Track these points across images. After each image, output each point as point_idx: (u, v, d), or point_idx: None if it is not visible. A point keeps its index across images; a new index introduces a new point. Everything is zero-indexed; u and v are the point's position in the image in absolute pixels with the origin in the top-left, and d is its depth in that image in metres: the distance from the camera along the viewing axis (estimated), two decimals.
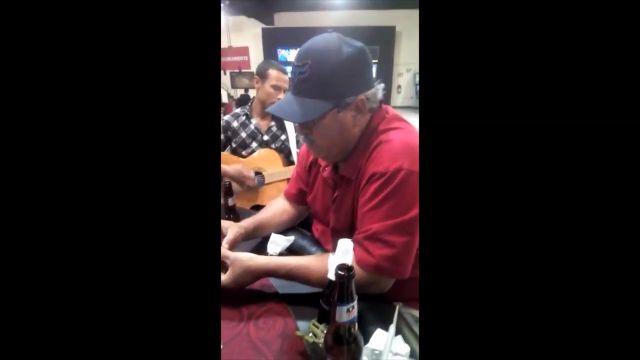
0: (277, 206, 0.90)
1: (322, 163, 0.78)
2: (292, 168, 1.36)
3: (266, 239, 0.82)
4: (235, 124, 1.43)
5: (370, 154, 0.64)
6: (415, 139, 0.64)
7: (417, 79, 8.00)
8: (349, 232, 0.68)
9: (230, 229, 0.75)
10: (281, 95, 1.34)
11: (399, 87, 8.45)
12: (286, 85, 1.34)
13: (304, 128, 0.66)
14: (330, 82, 0.59)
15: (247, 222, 0.81)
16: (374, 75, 0.66)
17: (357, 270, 0.59)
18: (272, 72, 1.34)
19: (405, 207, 0.59)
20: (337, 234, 0.70)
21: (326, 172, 0.75)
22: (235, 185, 1.32)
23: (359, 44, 0.62)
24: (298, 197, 0.88)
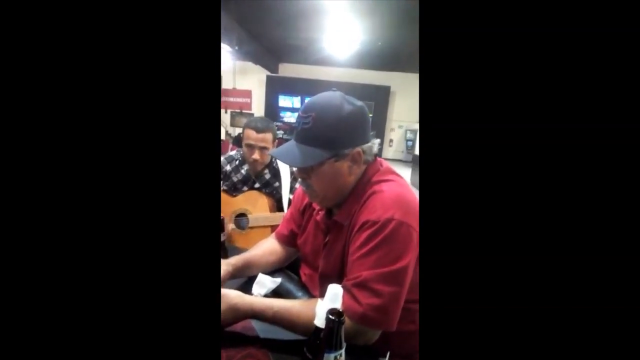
0: (266, 246, 0.90)
1: (316, 207, 0.80)
2: (279, 215, 1.34)
3: (252, 278, 0.80)
4: (228, 167, 1.44)
5: (364, 203, 0.67)
6: (406, 191, 0.67)
7: (408, 135, 8.42)
8: (338, 278, 0.68)
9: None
10: (255, 154, 1.33)
11: (390, 141, 8.84)
12: (258, 144, 1.32)
13: (302, 172, 0.70)
14: (330, 134, 0.65)
15: (236, 260, 0.80)
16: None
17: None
18: (247, 132, 1.34)
19: (395, 257, 0.60)
20: (326, 279, 0.70)
21: (319, 216, 0.77)
22: None
23: (359, 103, 0.69)
24: (289, 239, 0.88)
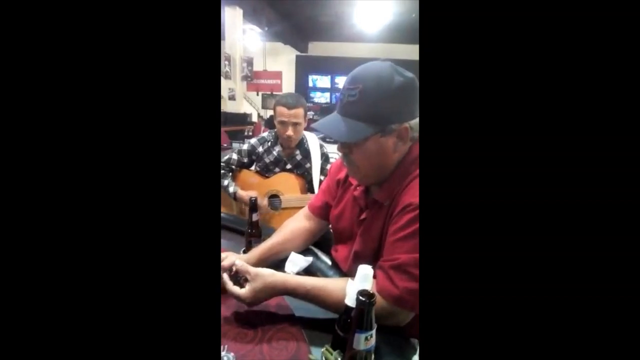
0: (289, 229, 0.88)
1: (354, 182, 0.78)
2: (310, 197, 1.34)
3: (285, 258, 0.83)
4: (260, 149, 1.46)
5: (408, 184, 0.64)
6: None
7: None
8: (373, 258, 0.67)
9: (228, 258, 0.71)
10: (289, 131, 1.34)
11: None
12: (291, 120, 1.33)
13: (344, 147, 0.68)
14: (377, 108, 0.61)
15: (253, 254, 0.79)
16: None
17: (377, 298, 0.58)
18: (277, 109, 1.36)
19: None
20: (360, 258, 0.69)
21: (357, 192, 0.76)
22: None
23: (409, 74, 0.64)
24: (322, 211, 0.87)
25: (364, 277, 0.54)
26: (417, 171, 0.64)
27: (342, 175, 0.82)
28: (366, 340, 0.39)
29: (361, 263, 0.53)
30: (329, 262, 0.87)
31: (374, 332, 0.40)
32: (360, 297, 0.39)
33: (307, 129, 1.38)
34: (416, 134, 0.67)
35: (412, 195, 0.62)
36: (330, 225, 0.88)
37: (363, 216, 0.73)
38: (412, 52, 7.51)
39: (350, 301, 0.55)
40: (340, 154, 0.71)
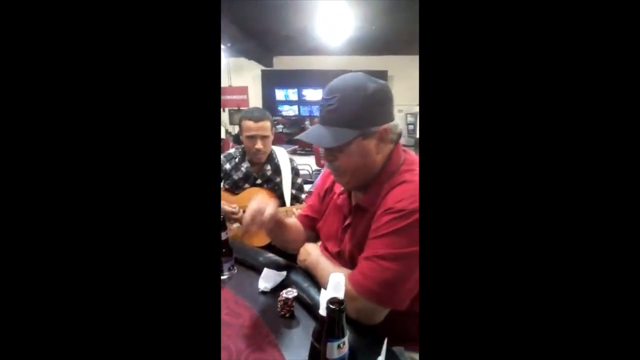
0: (296, 226, 0.94)
1: (337, 190, 0.82)
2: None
3: (258, 275, 0.82)
4: (227, 166, 1.43)
5: (391, 190, 0.68)
6: None
7: (409, 119, 8.35)
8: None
9: (270, 205, 0.75)
10: (258, 144, 1.33)
11: None
12: (259, 133, 1.33)
13: (329, 155, 0.71)
14: (357, 113, 0.65)
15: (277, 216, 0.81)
16: None
17: (348, 288, 0.61)
18: (244, 124, 1.35)
19: (411, 242, 0.61)
20: (353, 259, 0.72)
21: (340, 199, 0.80)
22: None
23: (382, 81, 0.69)
24: (308, 223, 0.92)
25: (336, 286, 0.55)
26: (401, 178, 0.69)
27: (324, 188, 0.87)
28: (339, 349, 0.40)
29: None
30: (305, 273, 0.87)
31: (346, 339, 0.40)
32: (330, 305, 0.40)
33: (277, 143, 1.38)
34: (395, 136, 0.72)
35: (394, 200, 0.65)
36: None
37: (347, 222, 0.76)
38: (375, 62, 7.79)
39: (324, 311, 0.55)
40: (326, 162, 0.74)
